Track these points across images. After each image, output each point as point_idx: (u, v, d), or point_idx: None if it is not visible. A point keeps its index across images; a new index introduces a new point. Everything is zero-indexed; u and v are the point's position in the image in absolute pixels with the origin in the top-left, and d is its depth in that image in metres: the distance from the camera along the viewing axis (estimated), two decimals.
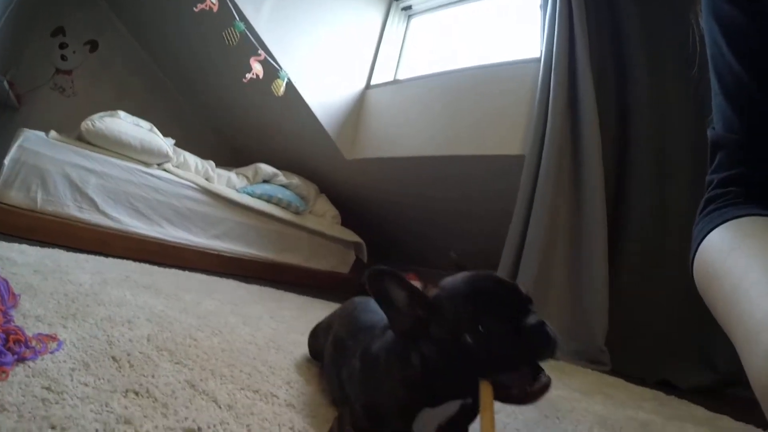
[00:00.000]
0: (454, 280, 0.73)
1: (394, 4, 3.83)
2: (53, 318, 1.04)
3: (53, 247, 2.01)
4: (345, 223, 3.93)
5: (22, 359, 0.76)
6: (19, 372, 0.72)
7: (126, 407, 0.71)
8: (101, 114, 2.68)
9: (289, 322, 1.79)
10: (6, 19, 2.71)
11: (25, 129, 2.39)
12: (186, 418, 0.72)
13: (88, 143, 2.58)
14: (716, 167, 0.71)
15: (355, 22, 3.61)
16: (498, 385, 0.63)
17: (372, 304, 0.98)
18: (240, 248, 3.15)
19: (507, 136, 2.70)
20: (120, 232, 2.57)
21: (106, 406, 0.69)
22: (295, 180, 3.62)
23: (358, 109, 3.60)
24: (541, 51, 2.61)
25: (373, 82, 3.66)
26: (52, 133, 2.48)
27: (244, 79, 2.82)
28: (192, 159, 3.10)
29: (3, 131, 3.17)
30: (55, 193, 2.37)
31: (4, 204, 2.26)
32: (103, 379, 0.79)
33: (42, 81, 3.73)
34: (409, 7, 3.87)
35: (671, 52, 2.26)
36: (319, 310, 2.10)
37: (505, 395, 0.64)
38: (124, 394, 0.75)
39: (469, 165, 2.89)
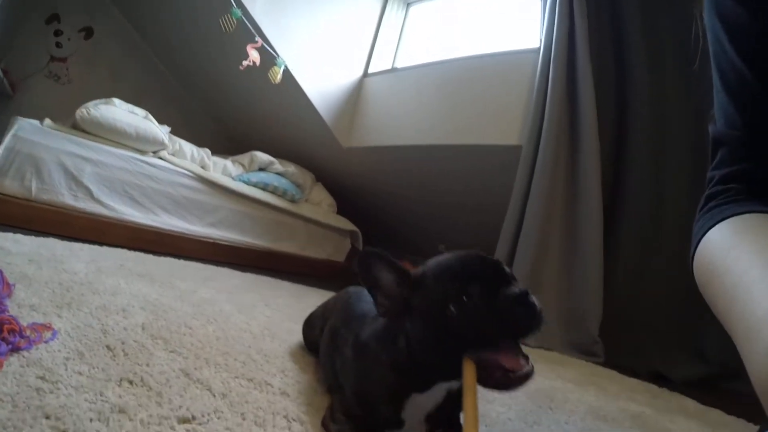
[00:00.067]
0: (438, 258, 0.74)
1: None
2: (48, 307, 1.04)
3: (48, 236, 2.01)
4: (341, 211, 3.92)
5: (16, 349, 0.76)
6: (13, 362, 0.73)
7: (120, 396, 0.71)
8: (96, 101, 2.66)
9: (284, 310, 1.80)
10: (0, 6, 2.68)
11: (19, 117, 2.37)
12: (180, 407, 0.73)
13: (83, 131, 2.57)
14: (717, 164, 0.71)
15: (354, 9, 3.58)
16: (482, 365, 0.64)
17: (366, 293, 0.99)
18: (235, 236, 3.15)
19: (505, 127, 2.70)
20: (115, 220, 2.57)
21: (101, 395, 0.70)
22: (291, 168, 3.61)
23: (355, 97, 3.58)
24: (541, 41, 2.59)
25: (370, 71, 3.63)
26: (47, 121, 2.47)
27: (240, 67, 2.80)
28: (188, 147, 3.09)
29: None
30: (50, 181, 2.36)
31: None
32: (98, 368, 0.80)
33: (36, 68, 3.69)
34: None
35: (671, 45, 2.25)
36: (315, 299, 2.10)
37: (488, 377, 0.64)
38: (118, 383, 0.76)
39: (466, 155, 2.89)
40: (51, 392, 0.67)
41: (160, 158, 2.84)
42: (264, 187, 3.35)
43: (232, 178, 3.24)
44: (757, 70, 0.62)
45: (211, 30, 2.96)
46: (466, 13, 3.49)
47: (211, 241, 3.00)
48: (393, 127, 3.28)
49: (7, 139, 2.26)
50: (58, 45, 3.73)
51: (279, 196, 3.42)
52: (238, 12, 2.68)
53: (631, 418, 1.16)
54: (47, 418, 0.60)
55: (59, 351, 0.82)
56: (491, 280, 0.66)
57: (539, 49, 2.58)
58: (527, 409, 1.11)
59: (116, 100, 2.75)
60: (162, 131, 2.85)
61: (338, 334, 0.93)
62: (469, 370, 0.63)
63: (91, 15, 3.86)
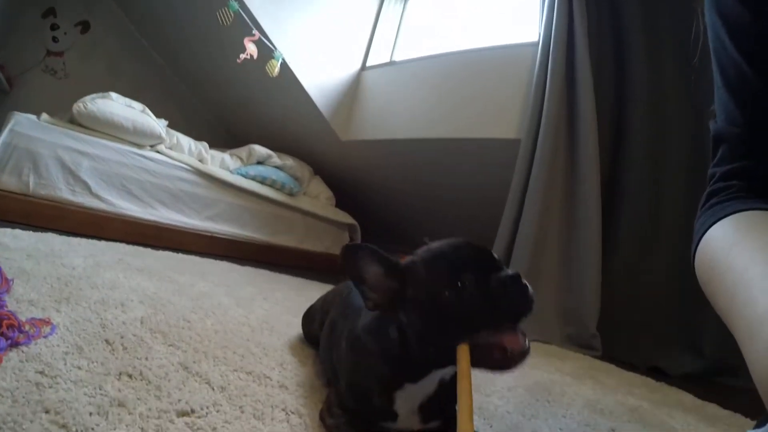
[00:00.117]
0: (428, 247, 0.74)
1: None
2: (46, 302, 1.04)
3: (46, 231, 2.02)
4: (339, 204, 3.93)
5: (15, 344, 0.76)
6: (12, 357, 0.73)
7: (119, 390, 0.72)
8: (93, 96, 2.66)
9: (282, 303, 1.81)
10: None
11: (16, 112, 2.36)
12: (179, 400, 0.73)
13: (81, 125, 2.56)
14: (718, 161, 0.71)
15: (352, 1, 3.56)
16: (479, 347, 0.64)
17: None
18: (234, 230, 3.15)
19: (503, 120, 2.69)
20: (113, 214, 2.57)
21: (100, 389, 0.70)
22: (290, 161, 3.61)
23: (353, 90, 3.57)
24: (540, 35, 2.58)
25: (368, 64, 3.62)
26: (44, 115, 2.46)
27: (238, 60, 2.80)
28: (185, 140, 3.09)
29: None
30: (48, 176, 2.36)
31: None
32: (97, 362, 0.80)
33: (33, 63, 3.68)
34: None
35: (671, 40, 2.24)
36: (313, 292, 2.10)
37: (487, 359, 0.65)
38: (117, 377, 0.76)
39: (465, 148, 2.88)
40: (50, 387, 0.67)
41: (158, 152, 2.83)
42: (262, 181, 3.34)
43: (230, 172, 3.24)
44: (758, 68, 0.62)
45: (209, 23, 2.95)
46: (464, 6, 3.47)
47: (210, 234, 3.00)
48: (391, 120, 3.27)
49: (4, 134, 2.26)
50: (54, 39, 3.71)
51: (277, 189, 3.42)
52: (235, 5, 2.67)
53: (628, 412, 1.16)
54: (47, 412, 0.60)
55: (58, 346, 0.82)
56: (483, 266, 0.68)
57: (538, 42, 2.57)
58: (525, 402, 1.11)
59: (113, 94, 2.74)
60: (159, 125, 2.84)
61: (336, 327, 0.94)
62: (463, 357, 0.63)
63: (88, 9, 3.84)
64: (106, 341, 0.90)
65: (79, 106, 2.55)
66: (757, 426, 0.46)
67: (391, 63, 3.59)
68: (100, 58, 3.95)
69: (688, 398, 1.45)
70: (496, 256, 0.71)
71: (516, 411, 1.03)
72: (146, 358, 0.87)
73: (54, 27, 3.69)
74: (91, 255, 1.76)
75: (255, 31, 2.84)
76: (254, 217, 3.27)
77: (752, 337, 0.45)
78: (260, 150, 3.47)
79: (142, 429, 0.62)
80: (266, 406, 0.79)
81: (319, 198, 3.80)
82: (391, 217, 4.09)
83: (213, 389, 0.81)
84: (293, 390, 0.90)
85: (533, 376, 1.40)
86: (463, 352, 0.64)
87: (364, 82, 3.58)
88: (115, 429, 0.61)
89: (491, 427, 0.90)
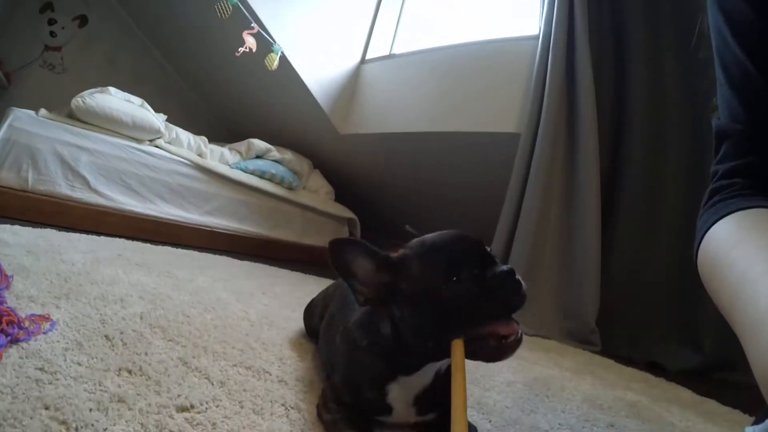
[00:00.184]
0: (419, 240, 0.74)
1: None
2: (46, 298, 1.05)
3: (45, 227, 2.01)
4: (339, 198, 3.92)
5: (15, 340, 0.77)
6: (12, 353, 0.73)
7: (119, 385, 0.72)
8: (92, 90, 2.65)
9: (282, 298, 1.81)
10: None
11: (14, 108, 2.35)
12: (179, 396, 0.73)
13: (79, 120, 2.55)
14: (721, 158, 0.70)
15: None
16: (473, 339, 0.65)
17: None
18: (233, 224, 3.15)
19: (503, 114, 2.68)
20: (112, 210, 2.56)
21: (100, 385, 0.70)
22: (289, 155, 3.60)
23: (352, 83, 3.56)
24: (540, 28, 2.57)
25: (368, 57, 3.61)
26: (42, 111, 2.45)
27: (236, 53, 2.79)
28: (184, 135, 3.08)
29: None
30: (47, 172, 2.35)
31: None
32: (97, 358, 0.80)
33: (31, 58, 3.67)
34: None
35: (671, 33, 2.23)
36: (312, 286, 2.11)
37: (482, 350, 0.65)
38: (117, 373, 0.77)
39: (465, 142, 2.87)
40: (50, 383, 0.67)
41: (157, 147, 2.83)
42: (261, 175, 3.34)
43: (230, 166, 3.23)
44: (761, 66, 0.62)
45: (207, 16, 2.94)
46: None
47: (209, 229, 3.00)
48: (391, 113, 3.26)
49: (3, 130, 2.25)
50: (52, 34, 3.70)
51: (276, 183, 3.41)
52: None
53: (627, 407, 1.16)
54: (47, 408, 0.60)
55: (58, 342, 0.82)
56: (478, 260, 0.68)
57: (538, 36, 2.56)
58: (524, 397, 1.12)
59: (112, 89, 2.74)
60: (158, 119, 2.84)
61: (333, 321, 0.94)
62: (458, 350, 0.64)
63: (86, 3, 3.82)
64: (106, 337, 0.91)
65: (77, 100, 2.54)
66: (756, 422, 0.46)
67: (391, 56, 3.57)
68: (99, 53, 3.95)
69: (686, 394, 1.46)
70: (488, 249, 0.71)
71: (515, 406, 1.03)
72: (146, 354, 0.88)
73: (51, 22, 3.68)
74: (91, 250, 1.76)
75: (254, 24, 2.82)
76: (253, 211, 3.27)
77: (755, 335, 0.45)
78: (259, 144, 3.47)
79: (141, 424, 0.63)
80: (265, 401, 0.80)
81: (318, 192, 3.79)
82: (391, 211, 4.08)
83: (212, 384, 0.82)
84: (293, 385, 0.91)
85: (532, 371, 1.40)
86: (458, 346, 0.64)
87: (364, 75, 3.57)
88: (114, 425, 0.61)
89: (490, 422, 0.91)
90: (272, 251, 3.30)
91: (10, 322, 0.78)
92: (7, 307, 0.83)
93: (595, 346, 2.09)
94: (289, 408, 0.79)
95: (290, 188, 3.50)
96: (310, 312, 1.27)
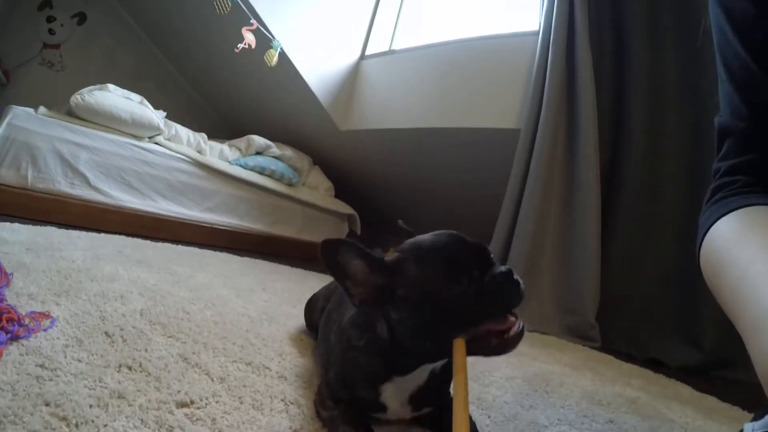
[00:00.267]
0: (414, 242, 0.73)
1: None
2: (46, 295, 1.05)
3: (45, 225, 2.02)
4: (339, 195, 3.92)
5: (15, 338, 0.77)
6: (12, 351, 0.73)
7: (119, 382, 0.72)
8: (91, 88, 2.64)
9: (281, 294, 1.81)
10: None
11: (13, 106, 2.35)
12: (179, 392, 0.74)
13: (78, 118, 2.55)
14: (724, 155, 0.70)
15: None
16: (475, 338, 0.65)
17: None
18: (233, 221, 3.15)
19: (503, 110, 2.68)
20: (112, 207, 2.57)
21: (100, 382, 0.71)
22: (289, 152, 3.60)
23: (352, 79, 3.55)
24: (540, 24, 2.56)
25: (368, 52, 3.60)
26: (41, 108, 2.45)
27: (236, 50, 2.78)
28: (184, 131, 3.08)
29: None
30: (46, 169, 2.36)
31: None
32: (97, 354, 0.80)
33: (30, 56, 3.67)
34: None
35: (672, 29, 2.22)
36: (312, 283, 2.12)
37: (484, 347, 0.66)
38: (117, 369, 0.77)
39: (465, 138, 2.87)
40: (50, 380, 0.67)
41: (156, 143, 2.83)
42: (261, 171, 3.34)
43: (229, 163, 3.23)
44: (763, 63, 0.62)
45: (206, 12, 2.94)
46: None
47: (209, 226, 3.00)
48: (390, 109, 3.26)
49: (2, 128, 2.25)
50: (50, 31, 3.70)
51: (276, 180, 3.41)
52: None
53: (626, 403, 1.17)
54: (47, 405, 0.61)
55: (58, 339, 0.83)
56: (477, 262, 0.68)
57: (538, 32, 2.56)
58: (523, 392, 1.12)
59: (111, 86, 2.73)
60: (158, 116, 2.83)
61: (330, 318, 0.94)
62: (459, 350, 0.64)
63: (84, 0, 3.81)
64: (106, 333, 0.91)
65: (76, 98, 2.54)
66: (755, 419, 0.46)
67: (391, 52, 3.56)
68: (97, 50, 3.94)
69: (686, 390, 1.46)
70: (486, 247, 0.71)
71: (514, 401, 1.03)
72: (146, 350, 0.88)
73: (50, 19, 3.68)
74: (91, 248, 1.76)
75: (253, 21, 2.82)
76: (253, 207, 3.27)
77: (758, 332, 0.46)
78: (259, 140, 3.47)
79: (141, 420, 0.63)
80: (265, 396, 0.80)
81: (318, 188, 3.79)
82: (391, 207, 4.09)
83: (212, 380, 0.82)
84: (292, 380, 0.91)
85: (532, 367, 1.40)
86: (459, 346, 0.64)
87: (363, 71, 3.56)
88: (115, 420, 0.61)
89: (489, 417, 0.91)
90: (272, 248, 3.30)
91: (10, 320, 0.78)
92: (7, 305, 0.83)
93: (594, 342, 2.09)
94: (288, 403, 0.79)
95: (290, 185, 3.50)
96: (311, 307, 1.27)
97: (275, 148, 3.52)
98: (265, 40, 2.91)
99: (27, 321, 0.82)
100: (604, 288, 2.22)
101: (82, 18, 3.81)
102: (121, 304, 1.12)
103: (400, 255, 0.70)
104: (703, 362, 1.86)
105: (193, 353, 0.92)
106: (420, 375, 0.73)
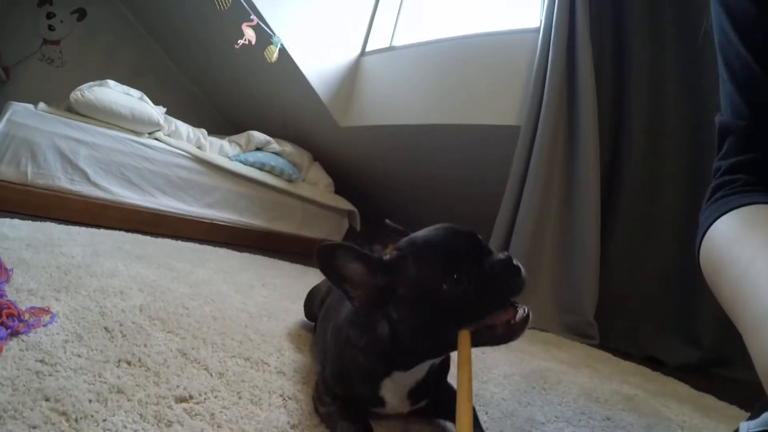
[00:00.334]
0: (410, 239, 0.73)
1: None
2: (46, 291, 1.05)
3: (45, 221, 2.02)
4: (338, 191, 3.92)
5: (15, 333, 0.77)
6: (12, 346, 0.74)
7: (119, 377, 0.73)
8: (90, 84, 2.64)
9: (280, 290, 1.82)
10: None
11: (13, 102, 2.35)
12: (178, 386, 0.74)
13: (78, 114, 2.55)
14: (724, 154, 0.70)
15: None
16: (480, 329, 0.65)
17: None
18: (233, 217, 3.15)
19: (503, 107, 2.67)
20: (112, 203, 2.57)
21: (99, 377, 0.71)
22: (288, 147, 3.60)
23: (352, 75, 3.54)
24: (541, 21, 2.55)
25: (368, 49, 3.59)
26: (41, 104, 2.45)
27: (236, 46, 2.78)
28: (184, 127, 3.08)
29: None
30: (46, 165, 2.36)
31: None
32: (96, 349, 0.81)
33: (30, 52, 3.67)
34: None
35: (673, 27, 2.21)
36: (312, 278, 2.12)
37: (490, 337, 0.66)
38: (116, 364, 0.77)
39: (465, 134, 2.87)
40: (50, 375, 0.68)
41: (156, 139, 2.83)
42: (261, 167, 3.34)
43: (229, 158, 3.23)
44: (764, 62, 0.62)
45: (206, 8, 2.93)
46: None
47: (208, 221, 3.01)
48: (390, 106, 3.26)
49: (2, 124, 2.26)
50: (50, 28, 3.69)
51: (276, 176, 3.41)
52: None
53: (624, 401, 1.17)
54: (47, 400, 0.61)
55: (58, 334, 0.83)
56: (474, 252, 0.68)
57: (539, 29, 2.55)
58: (521, 389, 1.13)
59: (111, 82, 2.73)
60: (157, 112, 2.84)
61: (328, 314, 0.95)
62: (465, 342, 0.64)
63: None
64: (106, 329, 0.91)
65: (76, 94, 2.54)
66: (751, 418, 0.46)
67: (391, 48, 3.55)
68: (97, 46, 3.94)
69: (683, 388, 1.46)
70: (480, 237, 0.70)
71: (512, 398, 1.04)
72: (145, 345, 0.88)
73: (50, 15, 3.67)
74: (90, 243, 1.76)
75: (253, 17, 2.81)
76: (253, 203, 3.27)
77: (758, 331, 0.46)
78: (259, 136, 3.47)
79: (140, 415, 0.63)
80: (264, 391, 0.81)
81: (318, 184, 3.79)
82: (391, 204, 4.09)
83: (211, 375, 0.82)
84: (290, 376, 0.91)
85: (530, 364, 1.41)
86: (465, 338, 0.64)
87: (364, 67, 3.55)
88: (114, 415, 0.62)
89: (487, 414, 0.91)
90: (272, 243, 3.31)
91: (10, 315, 0.78)
92: (7, 300, 0.83)
93: (593, 340, 2.10)
94: (286, 398, 0.80)
95: (290, 180, 3.50)
96: (311, 298, 1.28)
97: (275, 144, 3.52)
98: (265, 36, 2.91)
99: (27, 316, 0.83)
100: (604, 287, 2.22)
101: (81, 14, 3.80)
102: (120, 300, 1.13)
103: (398, 253, 0.70)
104: (702, 360, 1.86)
105: (192, 348, 0.93)
106: (420, 370, 0.73)
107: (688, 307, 2.02)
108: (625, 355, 1.88)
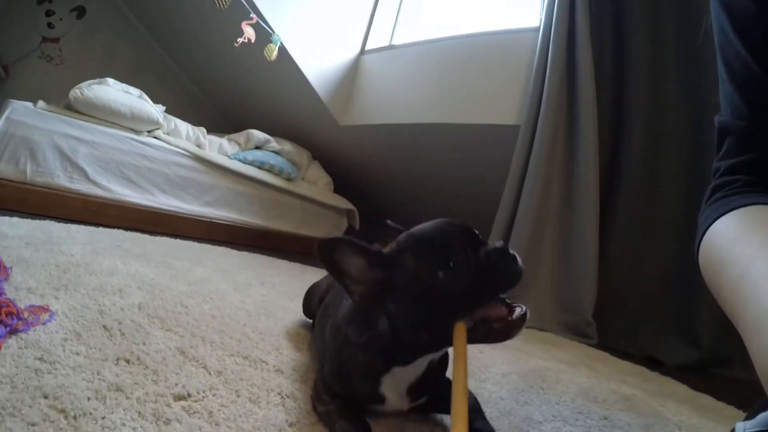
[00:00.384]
0: (408, 233, 0.74)
1: None
2: (45, 289, 1.05)
3: (44, 219, 2.02)
4: (338, 189, 3.93)
5: (14, 331, 0.77)
6: (12, 344, 0.74)
7: (117, 375, 0.73)
8: (90, 82, 2.64)
9: (279, 288, 1.82)
10: None
11: (12, 100, 2.35)
12: (176, 384, 0.74)
13: (77, 112, 2.55)
14: (724, 154, 0.70)
15: None
16: (477, 325, 0.65)
17: None
18: (231, 215, 3.15)
19: (503, 106, 2.68)
20: (111, 201, 2.57)
21: (98, 375, 0.71)
22: (288, 146, 3.60)
23: (352, 74, 3.55)
24: (541, 20, 2.56)
25: (368, 48, 3.59)
26: (40, 103, 2.45)
27: (235, 44, 2.78)
28: (183, 125, 3.08)
29: None
30: (45, 164, 2.36)
31: None
32: (95, 348, 0.81)
33: (29, 50, 3.66)
34: None
35: (673, 26, 2.21)
36: (311, 277, 2.10)
37: (487, 333, 0.66)
38: (115, 362, 0.77)
39: (464, 134, 2.87)
40: (49, 373, 0.68)
41: (156, 138, 2.83)
42: (260, 166, 3.34)
43: (228, 157, 3.23)
44: (764, 62, 0.62)
45: (206, 7, 2.93)
46: None
47: (207, 220, 3.01)
48: (390, 105, 3.26)
49: (1, 122, 2.26)
50: (50, 25, 3.69)
51: (275, 174, 3.42)
52: None
53: (622, 400, 1.17)
54: (45, 398, 0.61)
55: (57, 332, 0.83)
56: (468, 242, 0.68)
57: (539, 28, 2.55)
58: (519, 388, 1.13)
59: (110, 80, 2.73)
60: (157, 110, 2.84)
61: (326, 312, 0.95)
62: (460, 336, 0.64)
63: None
64: (104, 327, 0.91)
65: (75, 92, 2.54)
66: (747, 418, 0.46)
67: (391, 47, 3.55)
68: (97, 44, 3.93)
69: (682, 389, 1.46)
70: (476, 231, 0.71)
71: (510, 397, 1.04)
72: (144, 344, 0.88)
73: (49, 13, 3.67)
74: (89, 242, 1.76)
75: (252, 15, 2.81)
76: (252, 202, 3.27)
77: (757, 331, 0.46)
78: (258, 135, 3.47)
79: (139, 413, 0.63)
80: (262, 390, 0.81)
81: (317, 183, 3.79)
82: (390, 202, 4.09)
83: (210, 373, 0.82)
84: (289, 374, 0.92)
85: (528, 363, 1.41)
86: (460, 331, 0.64)
87: (363, 66, 3.55)
88: (112, 413, 0.62)
89: (485, 412, 0.91)
90: (271, 242, 3.31)
91: (9, 313, 0.78)
92: (6, 299, 0.83)
93: (591, 339, 2.10)
94: (285, 397, 0.80)
95: (289, 179, 3.50)
96: (310, 295, 1.27)
97: (274, 143, 3.53)
98: (264, 34, 2.91)
99: (26, 314, 0.83)
100: (603, 287, 2.23)
101: (81, 12, 3.80)
102: (119, 298, 1.13)
103: (396, 247, 0.71)
104: (701, 360, 1.87)
105: (191, 347, 0.93)
106: (419, 366, 0.73)
107: (687, 307, 2.02)
108: (624, 355, 1.88)
